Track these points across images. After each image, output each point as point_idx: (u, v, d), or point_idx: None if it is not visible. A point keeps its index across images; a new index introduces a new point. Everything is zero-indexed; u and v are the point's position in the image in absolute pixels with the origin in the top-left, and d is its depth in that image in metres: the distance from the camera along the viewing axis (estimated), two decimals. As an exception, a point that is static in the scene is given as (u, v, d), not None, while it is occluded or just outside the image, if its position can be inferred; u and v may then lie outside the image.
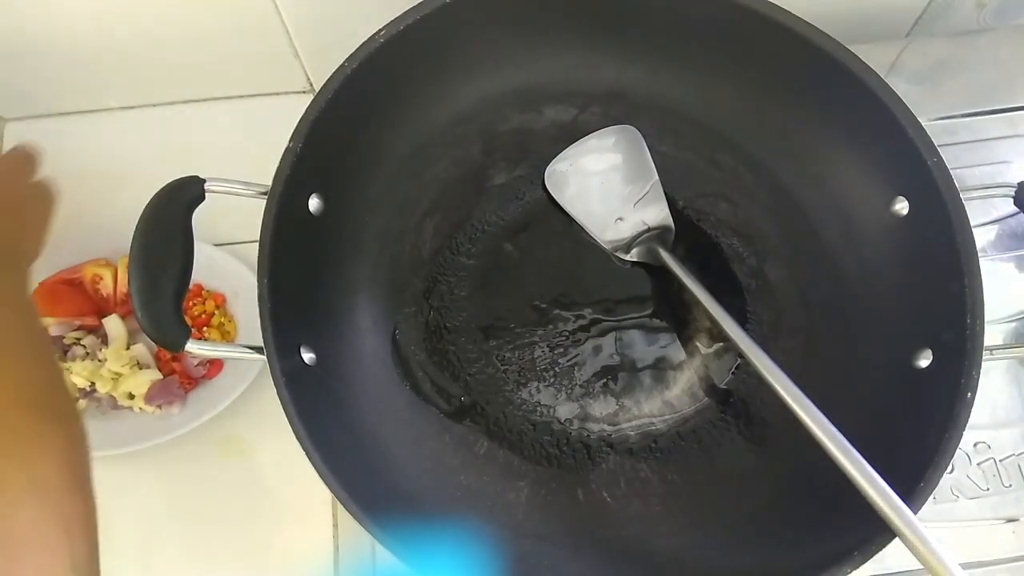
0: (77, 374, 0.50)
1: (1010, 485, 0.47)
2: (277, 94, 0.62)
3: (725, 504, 0.43)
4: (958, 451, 0.38)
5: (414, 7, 0.40)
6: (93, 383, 0.50)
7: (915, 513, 0.33)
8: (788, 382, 0.37)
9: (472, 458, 0.44)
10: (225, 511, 0.51)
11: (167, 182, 0.38)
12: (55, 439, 0.35)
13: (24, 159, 0.41)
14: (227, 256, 0.54)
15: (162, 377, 0.51)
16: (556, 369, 0.46)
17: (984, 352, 0.37)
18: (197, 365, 0.52)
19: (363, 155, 0.44)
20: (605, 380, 0.46)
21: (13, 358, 0.34)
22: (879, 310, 0.43)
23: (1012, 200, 0.40)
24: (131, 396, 0.51)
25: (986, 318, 0.37)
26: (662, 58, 0.47)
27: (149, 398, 0.50)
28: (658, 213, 0.49)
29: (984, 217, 0.52)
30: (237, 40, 0.55)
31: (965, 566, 0.31)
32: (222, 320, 0.53)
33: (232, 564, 0.50)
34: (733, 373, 0.46)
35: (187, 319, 0.43)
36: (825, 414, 0.36)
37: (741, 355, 0.41)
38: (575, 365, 0.46)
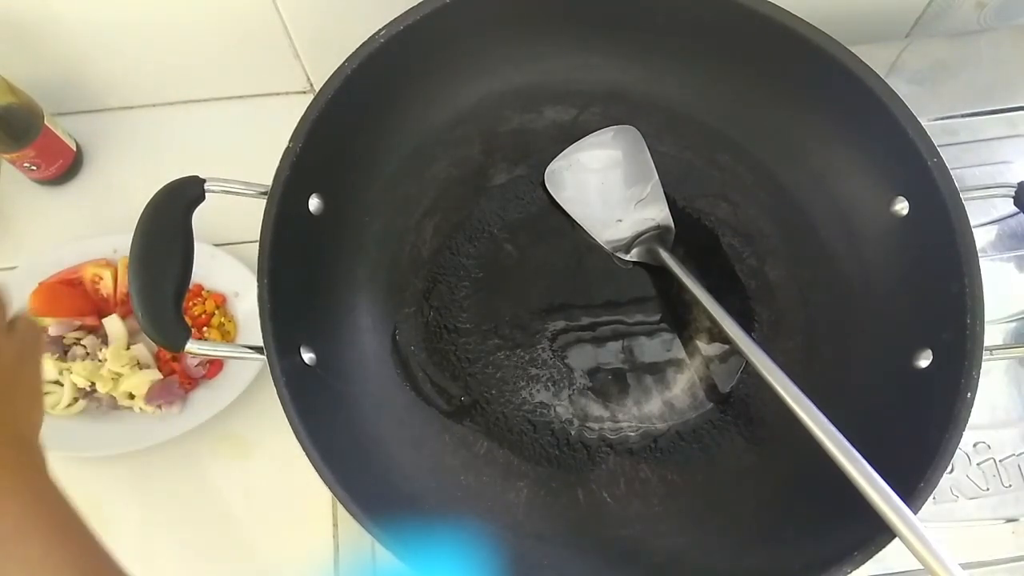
0: (77, 374, 0.50)
1: (1010, 485, 0.47)
2: (277, 94, 0.62)
3: (725, 504, 0.43)
4: (958, 451, 0.38)
5: (414, 7, 0.40)
6: (93, 383, 0.50)
7: (915, 513, 0.33)
8: (788, 382, 0.37)
9: (472, 458, 0.44)
10: (225, 511, 0.51)
11: (167, 182, 0.38)
12: None
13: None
14: (227, 256, 0.54)
15: (162, 377, 0.51)
16: (556, 369, 0.46)
17: (984, 352, 0.37)
18: (197, 365, 0.52)
19: (363, 155, 0.44)
20: (605, 380, 0.46)
21: (36, 547, 0.31)
22: (879, 310, 0.43)
23: (1012, 200, 0.40)
24: (131, 396, 0.51)
25: (986, 318, 0.37)
26: (662, 58, 0.47)
27: (149, 398, 0.50)
28: (658, 213, 0.49)
29: (984, 217, 0.52)
30: (237, 40, 0.55)
31: (965, 566, 0.31)
32: (222, 320, 0.53)
33: (232, 564, 0.50)
34: (738, 377, 0.46)
35: (187, 319, 0.43)
36: (825, 414, 0.36)
37: (741, 355, 0.41)
38: (575, 365, 0.46)
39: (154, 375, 0.51)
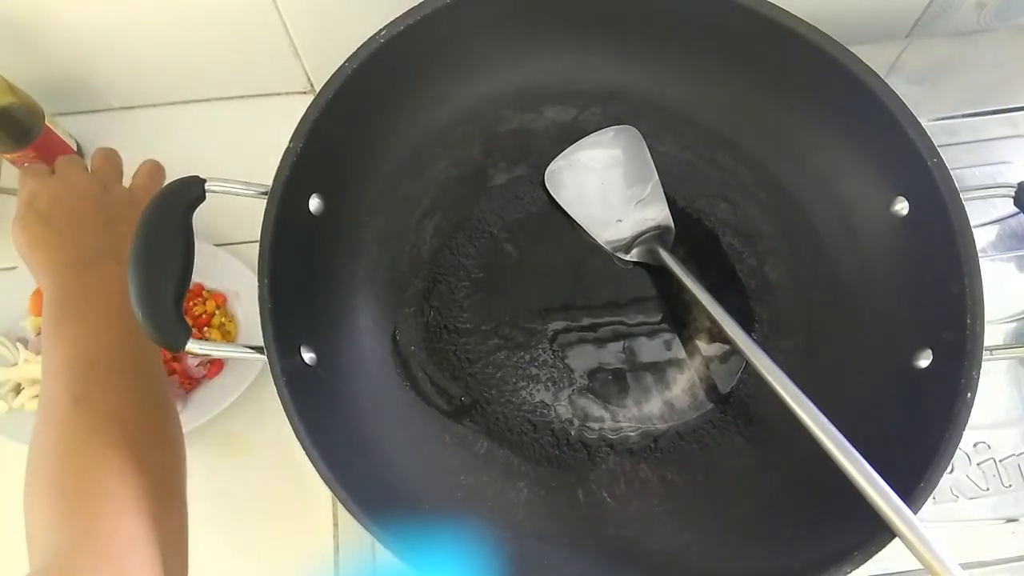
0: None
1: (1010, 485, 0.47)
2: (277, 94, 0.62)
3: (725, 504, 0.43)
4: (958, 451, 0.38)
5: (414, 7, 0.40)
6: (93, 383, 0.50)
7: (915, 513, 0.33)
8: (788, 382, 0.37)
9: (472, 458, 0.44)
10: (225, 511, 0.51)
11: (168, 182, 0.38)
12: (154, 458, 0.38)
13: (113, 172, 0.50)
14: (227, 256, 0.54)
15: (162, 377, 0.51)
16: (556, 369, 0.46)
17: (984, 352, 0.37)
18: (198, 365, 0.52)
19: (363, 155, 0.44)
20: (605, 380, 0.46)
21: (94, 323, 0.40)
22: (879, 310, 0.43)
23: (1012, 200, 0.40)
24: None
25: (986, 318, 0.37)
26: (662, 58, 0.47)
27: (149, 398, 0.50)
28: (658, 213, 0.49)
29: (984, 217, 0.52)
30: (237, 40, 0.55)
31: (965, 566, 0.31)
32: (223, 320, 0.53)
33: (232, 564, 0.50)
34: (738, 378, 0.46)
35: (188, 319, 0.43)
36: (825, 414, 0.36)
37: (741, 355, 0.41)
38: (575, 366, 0.46)
39: (154, 375, 0.51)
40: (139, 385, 0.41)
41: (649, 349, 0.47)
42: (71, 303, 0.42)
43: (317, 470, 0.35)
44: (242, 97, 0.62)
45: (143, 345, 0.41)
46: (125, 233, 0.42)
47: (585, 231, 0.49)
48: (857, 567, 0.34)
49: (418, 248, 0.48)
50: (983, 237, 0.52)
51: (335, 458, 0.35)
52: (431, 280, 0.47)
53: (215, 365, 0.52)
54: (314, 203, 0.40)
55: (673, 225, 0.48)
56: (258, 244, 0.37)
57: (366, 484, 0.37)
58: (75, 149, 0.58)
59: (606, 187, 0.50)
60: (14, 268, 0.54)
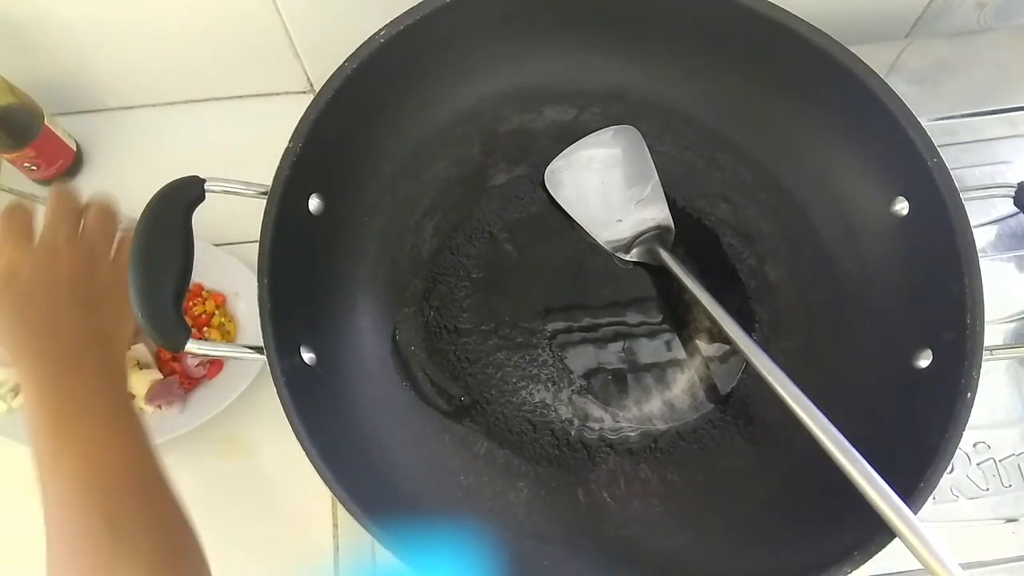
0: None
1: (1010, 485, 0.47)
2: (277, 94, 0.62)
3: (725, 504, 0.43)
4: (958, 451, 0.38)
5: (414, 7, 0.40)
6: (93, 383, 0.50)
7: (915, 513, 0.33)
8: (788, 382, 0.37)
9: (472, 458, 0.44)
10: (225, 511, 0.51)
11: (167, 182, 0.38)
12: (135, 517, 0.36)
13: (103, 240, 0.43)
14: (227, 256, 0.54)
15: (162, 377, 0.51)
16: (556, 369, 0.46)
17: (984, 352, 0.37)
18: (197, 365, 0.52)
19: (363, 155, 0.44)
20: (605, 381, 0.46)
21: (101, 427, 0.37)
22: (879, 310, 0.43)
23: (1012, 200, 0.40)
24: (132, 396, 0.50)
25: (986, 318, 0.37)
26: (662, 58, 0.47)
27: (149, 398, 0.50)
28: (658, 213, 0.49)
29: (984, 217, 0.52)
30: (237, 40, 0.55)
31: (965, 566, 0.31)
32: (222, 320, 0.53)
33: (232, 564, 0.50)
34: (738, 378, 0.46)
35: (187, 319, 0.43)
36: (825, 414, 0.36)
37: (741, 354, 0.41)
38: (575, 366, 0.46)
39: (154, 375, 0.51)
40: (165, 492, 0.38)
41: (649, 349, 0.47)
42: (62, 411, 0.38)
43: (317, 470, 0.35)
44: (242, 97, 0.62)
45: (149, 448, 0.39)
46: (110, 312, 0.41)
47: (585, 231, 0.49)
48: (857, 567, 0.34)
49: (418, 248, 0.48)
50: (983, 237, 0.52)
51: (335, 458, 0.35)
52: (431, 280, 0.47)
53: (215, 365, 0.52)
54: (314, 203, 0.40)
55: (673, 225, 0.48)
56: (258, 244, 0.37)
57: (366, 484, 0.37)
58: (75, 149, 0.58)
59: (606, 187, 0.50)
60: (14, 268, 0.54)
